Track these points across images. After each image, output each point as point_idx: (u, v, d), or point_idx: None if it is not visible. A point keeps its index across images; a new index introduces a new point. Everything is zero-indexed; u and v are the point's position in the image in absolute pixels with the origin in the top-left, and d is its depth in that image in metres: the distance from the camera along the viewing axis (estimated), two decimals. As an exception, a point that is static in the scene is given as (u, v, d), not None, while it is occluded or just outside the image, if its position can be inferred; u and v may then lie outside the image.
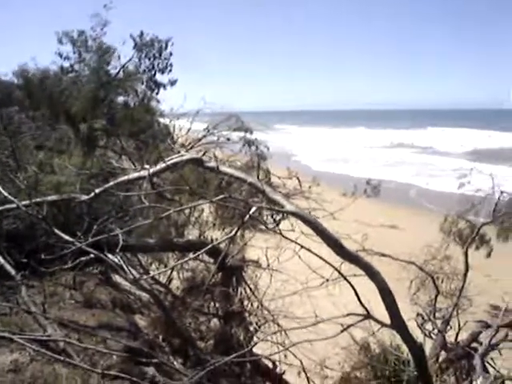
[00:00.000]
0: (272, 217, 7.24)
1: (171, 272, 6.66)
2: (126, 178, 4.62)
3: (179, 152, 4.99)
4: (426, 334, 7.09)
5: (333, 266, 3.99)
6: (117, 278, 6.27)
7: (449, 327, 7.14)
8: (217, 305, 6.14)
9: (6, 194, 4.96)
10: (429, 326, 7.33)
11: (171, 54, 12.66)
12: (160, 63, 12.58)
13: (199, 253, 4.55)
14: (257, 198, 5.02)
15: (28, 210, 4.85)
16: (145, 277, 4.87)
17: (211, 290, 5.90)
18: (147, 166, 4.45)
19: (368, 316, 4.01)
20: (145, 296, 6.21)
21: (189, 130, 11.69)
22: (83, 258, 4.67)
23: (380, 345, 6.29)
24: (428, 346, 6.47)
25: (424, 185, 29.29)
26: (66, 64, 12.18)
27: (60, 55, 12.07)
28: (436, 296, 7.38)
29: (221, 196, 3.99)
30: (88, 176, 5.91)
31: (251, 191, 5.93)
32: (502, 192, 8.18)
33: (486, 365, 6.55)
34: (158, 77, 12.77)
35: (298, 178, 8.46)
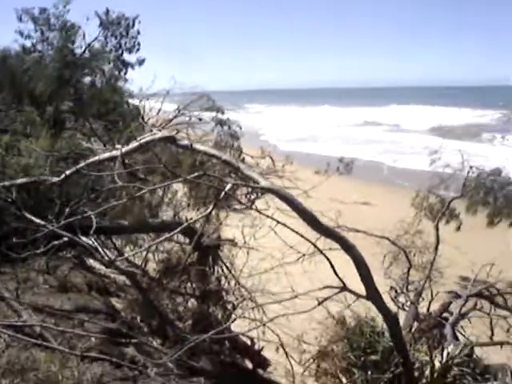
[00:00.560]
0: (246, 196, 7.24)
1: (146, 254, 6.60)
2: (97, 158, 4.51)
3: (151, 131, 4.90)
4: (399, 307, 7.29)
5: (309, 240, 4.02)
6: (91, 262, 6.18)
7: (421, 299, 7.36)
8: (194, 285, 6.14)
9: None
10: (402, 299, 7.53)
11: (139, 32, 12.31)
12: (127, 42, 12.22)
13: (174, 232, 4.50)
14: (230, 177, 5.00)
15: (-4, 194, 4.70)
16: (120, 258, 4.80)
17: (188, 270, 5.89)
18: (119, 146, 4.35)
19: (344, 288, 4.07)
20: (120, 279, 6.15)
21: (159, 110, 11.51)
22: (56, 242, 4.56)
23: (355, 318, 6.42)
24: (402, 318, 6.65)
25: (394, 162, 29.76)
26: (28, 43, 11.70)
27: (21, 34, 11.56)
28: (408, 269, 7.57)
29: (195, 174, 3.94)
30: (57, 158, 5.75)
31: (225, 171, 5.91)
32: (471, 167, 8.41)
33: (457, 333, 6.80)
34: (126, 56, 12.41)
35: (271, 157, 8.46)
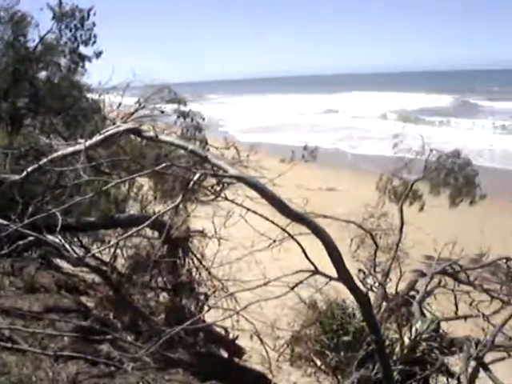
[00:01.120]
0: (213, 187, 7.22)
1: (115, 250, 6.50)
2: (60, 153, 4.37)
3: (114, 124, 4.80)
4: (368, 288, 7.45)
5: (279, 226, 4.06)
6: (58, 262, 6.04)
7: (388, 279, 7.55)
8: (165, 278, 6.10)
9: None
10: (370, 280, 7.70)
11: (94, 24, 11.95)
12: (83, 34, 11.84)
13: (143, 226, 4.43)
14: (196, 169, 4.96)
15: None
16: (89, 254, 4.71)
17: (158, 264, 5.84)
18: (82, 140, 4.24)
19: (316, 271, 4.14)
20: (89, 278, 6.04)
21: (119, 104, 11.29)
22: (21, 242, 4.43)
23: (326, 302, 6.55)
24: (371, 299, 6.82)
25: (358, 148, 30.32)
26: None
27: (-34, 27, 11.02)
28: (375, 251, 7.74)
29: (163, 164, 3.89)
30: (16, 156, 5.56)
31: (189, 163, 5.86)
32: (431, 150, 8.68)
33: (424, 310, 7.03)
34: (82, 49, 12.04)
35: (236, 148, 8.47)
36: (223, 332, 6.60)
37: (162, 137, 4.28)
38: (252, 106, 61.59)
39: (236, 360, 6.73)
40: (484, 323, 6.52)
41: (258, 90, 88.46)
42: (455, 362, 5.83)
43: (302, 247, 4.08)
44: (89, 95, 11.50)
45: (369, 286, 7.57)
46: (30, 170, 4.59)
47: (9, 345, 3.39)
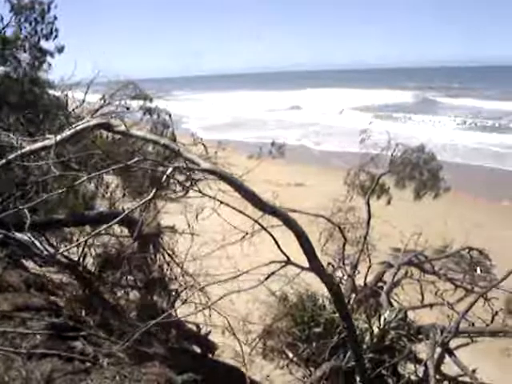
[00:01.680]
0: (181, 184, 7.18)
1: (83, 248, 6.38)
2: (28, 148, 4.27)
3: (78, 120, 4.72)
4: (337, 281, 7.62)
5: (251, 218, 4.11)
6: (24, 262, 5.88)
7: (357, 271, 7.73)
8: (136, 275, 6.04)
9: None
10: (339, 273, 7.87)
11: (56, 17, 11.60)
12: (44, 28, 11.49)
13: (113, 222, 4.38)
14: (168, 163, 4.93)
15: None
16: (60, 251, 4.62)
17: (129, 261, 5.77)
18: (51, 136, 4.15)
19: (288, 262, 4.21)
20: (56, 278, 5.91)
21: (83, 100, 11.04)
22: (-14, 242, 4.31)
23: (297, 294, 6.65)
24: (341, 291, 6.96)
25: (323, 144, 30.70)
26: None
27: None
28: (344, 245, 7.92)
29: (136, 159, 3.86)
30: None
31: (157, 158, 5.80)
32: (397, 144, 8.91)
33: (391, 300, 7.24)
34: (43, 43, 11.68)
35: (203, 144, 8.44)
36: (196, 328, 6.60)
37: (133, 131, 4.24)
38: (219, 103, 61.41)
39: (209, 355, 6.75)
40: (449, 311, 6.77)
41: (229, 86, 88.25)
42: (422, 349, 6.03)
43: (274, 238, 4.14)
44: (51, 92, 11.20)
45: (338, 279, 7.73)
46: (-4, 166, 4.45)
47: (-22, 346, 3.29)
